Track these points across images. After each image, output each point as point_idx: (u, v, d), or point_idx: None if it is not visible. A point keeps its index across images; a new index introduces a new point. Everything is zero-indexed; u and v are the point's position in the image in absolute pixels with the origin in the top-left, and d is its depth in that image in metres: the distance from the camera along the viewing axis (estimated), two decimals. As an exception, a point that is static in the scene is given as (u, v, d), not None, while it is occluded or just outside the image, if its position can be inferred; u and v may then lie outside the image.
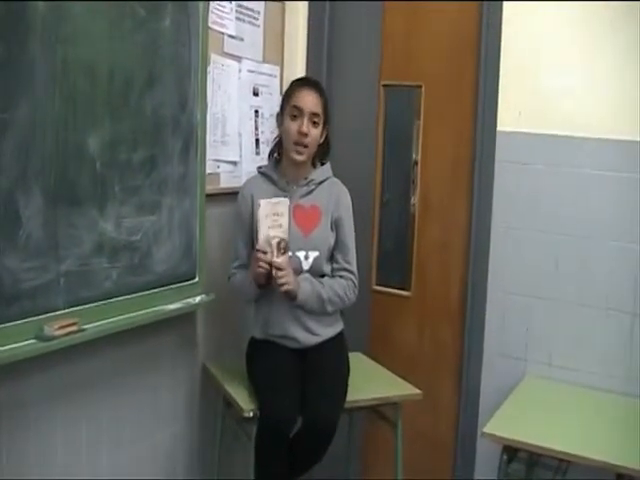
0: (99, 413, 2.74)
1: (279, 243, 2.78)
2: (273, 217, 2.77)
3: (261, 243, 2.76)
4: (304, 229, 2.93)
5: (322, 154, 3.07)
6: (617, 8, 3.05)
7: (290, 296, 2.85)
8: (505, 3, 3.26)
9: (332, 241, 2.98)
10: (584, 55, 3.14)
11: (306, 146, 2.90)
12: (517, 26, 3.25)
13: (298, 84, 3.00)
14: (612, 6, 3.05)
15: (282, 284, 2.78)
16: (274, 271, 2.76)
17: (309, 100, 2.91)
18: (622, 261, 3.11)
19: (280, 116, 3.00)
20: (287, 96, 2.98)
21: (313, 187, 2.99)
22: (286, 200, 2.82)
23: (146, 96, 2.67)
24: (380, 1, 3.67)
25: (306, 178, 2.99)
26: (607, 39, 3.09)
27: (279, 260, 2.78)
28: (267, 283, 2.84)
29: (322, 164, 3.07)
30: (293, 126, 2.90)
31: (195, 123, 2.94)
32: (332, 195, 3.00)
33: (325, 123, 2.98)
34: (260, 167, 3.09)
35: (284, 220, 2.79)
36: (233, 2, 3.23)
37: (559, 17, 3.17)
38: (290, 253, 2.86)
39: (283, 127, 2.96)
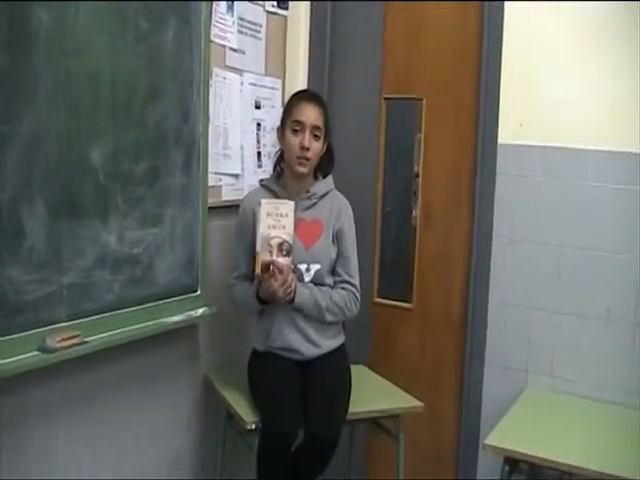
0: (100, 425, 2.74)
1: (281, 244, 2.75)
2: (275, 217, 2.74)
3: (259, 242, 2.74)
4: (306, 242, 2.93)
5: (325, 167, 3.08)
6: (617, 17, 3.06)
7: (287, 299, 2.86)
8: (506, 16, 3.27)
9: (334, 254, 2.99)
10: (585, 68, 3.15)
11: (308, 159, 2.91)
12: (518, 39, 3.26)
13: (298, 97, 3.01)
14: (616, 11, 3.06)
15: (277, 287, 2.77)
16: (272, 270, 2.74)
17: (310, 114, 2.92)
18: (623, 272, 3.11)
19: (281, 130, 3.01)
20: (288, 110, 2.99)
21: (315, 200, 2.99)
22: (291, 202, 2.80)
23: (149, 108, 2.69)
24: (381, 12, 3.68)
25: (308, 191, 2.99)
26: (608, 51, 3.09)
27: (280, 260, 2.77)
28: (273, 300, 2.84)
29: (324, 177, 3.07)
30: (295, 140, 2.91)
31: (197, 136, 2.96)
32: (334, 208, 3.01)
33: (326, 136, 2.99)
34: (262, 180, 3.10)
35: (288, 222, 2.76)
36: (235, 15, 3.24)
37: (559, 30, 3.18)
38: (292, 265, 2.86)
39: (284, 141, 2.96)
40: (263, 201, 2.76)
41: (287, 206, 2.78)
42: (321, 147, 2.97)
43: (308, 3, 3.74)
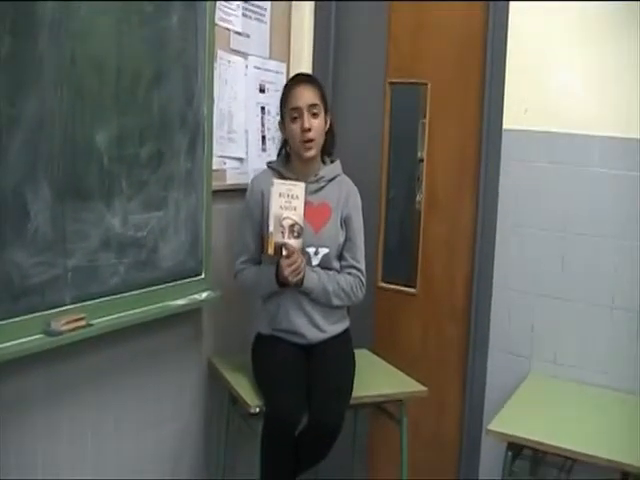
0: (105, 408, 2.75)
1: (292, 226, 2.76)
2: (287, 198, 2.75)
3: (272, 222, 2.75)
4: (314, 225, 2.93)
5: (328, 147, 3.08)
6: (622, 6, 3.04)
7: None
8: (511, 4, 3.26)
9: (341, 238, 2.99)
10: (590, 53, 3.13)
11: (312, 140, 2.91)
12: (523, 24, 3.25)
13: (290, 85, 3.03)
14: (617, 4, 3.05)
15: (288, 270, 2.78)
16: (284, 252, 2.77)
17: (304, 95, 2.93)
18: (628, 259, 3.10)
19: (282, 123, 3.02)
20: (283, 100, 3.00)
21: (323, 184, 2.99)
22: (302, 184, 2.81)
23: (153, 92, 2.68)
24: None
25: (316, 175, 2.99)
26: (613, 37, 3.08)
27: (292, 243, 2.77)
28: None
29: (332, 161, 3.07)
30: (296, 127, 2.91)
31: (202, 119, 2.95)
32: (342, 193, 3.01)
33: (326, 112, 3.00)
34: (270, 162, 3.10)
35: (298, 204, 2.77)
36: (240, -1, 3.24)
37: (565, 15, 3.17)
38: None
39: (287, 131, 2.98)
40: (276, 181, 2.78)
41: (298, 188, 2.79)
42: (323, 124, 2.97)
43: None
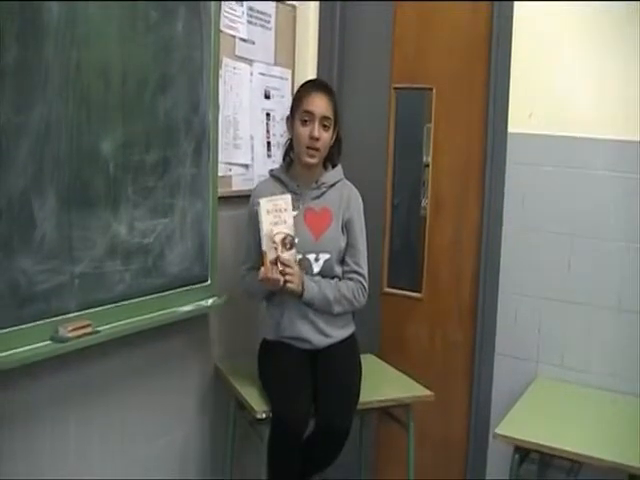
0: (112, 414, 2.76)
1: (284, 239, 2.78)
2: (275, 213, 2.78)
3: (264, 241, 2.77)
4: (315, 232, 2.93)
5: (334, 156, 3.07)
6: (628, 7, 3.04)
7: (295, 294, 2.86)
8: (516, 5, 3.26)
9: (343, 243, 2.98)
10: (595, 56, 3.14)
11: (318, 150, 2.91)
12: (528, 28, 3.25)
13: (307, 87, 2.99)
14: (622, 5, 3.05)
15: (286, 281, 2.78)
16: (280, 267, 2.77)
17: (320, 104, 2.91)
18: (635, 262, 3.10)
19: (290, 120, 3.01)
20: (297, 100, 2.98)
21: (324, 190, 2.99)
22: (287, 196, 2.83)
23: (159, 99, 2.69)
24: (391, 1, 3.68)
25: (317, 181, 2.99)
26: (618, 39, 3.08)
27: (285, 255, 2.78)
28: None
29: (333, 166, 3.07)
30: (304, 131, 2.90)
31: (207, 126, 2.96)
32: (343, 197, 3.00)
33: (336, 125, 2.99)
34: (272, 170, 3.10)
35: (287, 216, 2.80)
36: (245, 5, 3.24)
37: (570, 19, 3.17)
38: (300, 255, 2.87)
39: (294, 132, 2.96)
40: (261, 200, 2.78)
41: (285, 200, 2.81)
42: (330, 137, 2.96)
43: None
